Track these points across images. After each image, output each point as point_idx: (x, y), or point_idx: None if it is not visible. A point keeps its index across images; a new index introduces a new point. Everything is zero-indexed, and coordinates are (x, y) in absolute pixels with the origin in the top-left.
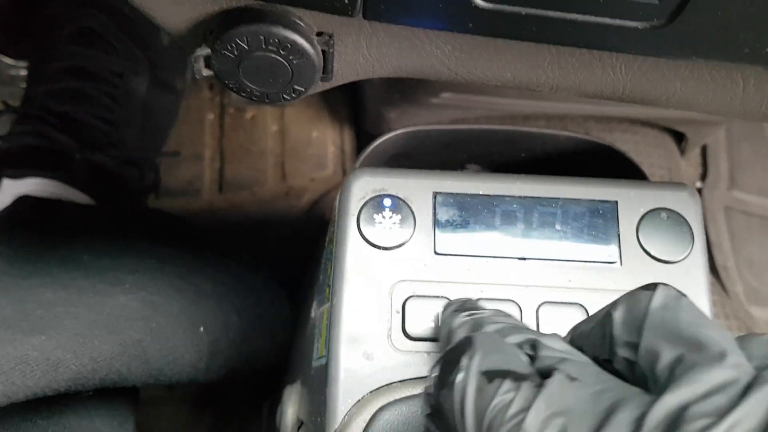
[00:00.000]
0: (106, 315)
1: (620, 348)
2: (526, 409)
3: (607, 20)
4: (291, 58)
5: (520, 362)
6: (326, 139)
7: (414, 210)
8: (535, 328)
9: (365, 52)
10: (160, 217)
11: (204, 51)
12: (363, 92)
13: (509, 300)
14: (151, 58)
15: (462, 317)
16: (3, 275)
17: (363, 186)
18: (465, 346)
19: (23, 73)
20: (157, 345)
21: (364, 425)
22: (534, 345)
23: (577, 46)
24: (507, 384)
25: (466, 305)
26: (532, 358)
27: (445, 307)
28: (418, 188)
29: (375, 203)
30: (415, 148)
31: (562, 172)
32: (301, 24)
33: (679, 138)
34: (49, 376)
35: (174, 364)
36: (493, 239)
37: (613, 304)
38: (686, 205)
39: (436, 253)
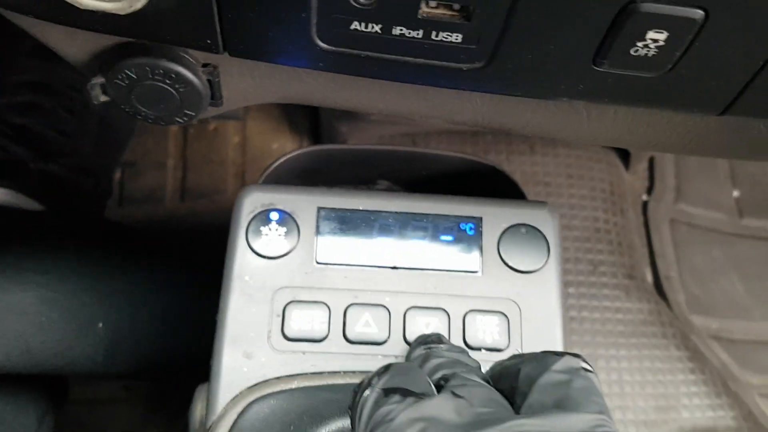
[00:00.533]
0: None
1: (518, 396)
2: (399, 414)
3: (435, 62)
4: (177, 86)
5: (421, 384)
6: (286, 150)
7: (299, 223)
8: (402, 330)
9: (250, 81)
10: (99, 223)
11: (99, 79)
12: (319, 107)
13: (380, 305)
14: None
15: (420, 349)
16: None
17: (253, 200)
18: (382, 370)
19: None
20: (42, 338)
21: (235, 417)
22: (452, 375)
23: (416, 83)
24: (396, 397)
25: (428, 339)
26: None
27: (414, 340)
28: (304, 203)
29: (263, 216)
30: (324, 165)
31: (456, 188)
32: (186, 57)
33: (624, 153)
34: None
35: (62, 356)
36: (369, 250)
37: (524, 360)
38: (544, 221)
39: (317, 262)
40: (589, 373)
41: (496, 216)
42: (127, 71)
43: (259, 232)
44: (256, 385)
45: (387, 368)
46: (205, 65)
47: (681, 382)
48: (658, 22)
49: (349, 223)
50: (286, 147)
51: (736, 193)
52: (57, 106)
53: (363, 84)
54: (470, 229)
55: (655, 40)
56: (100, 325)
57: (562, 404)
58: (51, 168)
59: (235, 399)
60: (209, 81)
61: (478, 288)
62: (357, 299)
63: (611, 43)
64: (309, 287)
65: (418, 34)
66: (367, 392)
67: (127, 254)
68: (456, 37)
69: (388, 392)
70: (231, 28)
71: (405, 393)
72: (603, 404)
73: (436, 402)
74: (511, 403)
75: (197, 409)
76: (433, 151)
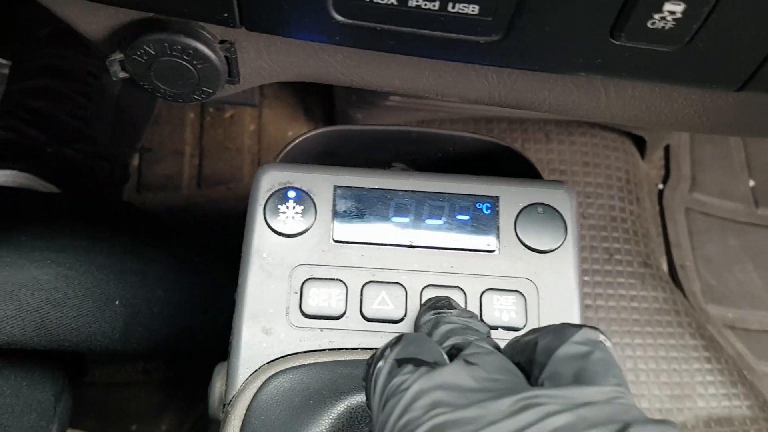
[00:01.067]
0: (10, 284)
1: (535, 367)
2: (413, 383)
3: (452, 35)
4: (195, 63)
5: (433, 353)
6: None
7: (316, 201)
8: (418, 308)
9: (266, 58)
10: (115, 204)
11: (118, 56)
12: (334, 94)
13: (397, 283)
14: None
15: (429, 314)
16: None
17: (270, 179)
18: (394, 341)
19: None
20: (58, 313)
21: (255, 391)
22: (465, 344)
23: (433, 57)
24: (409, 367)
25: (437, 303)
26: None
27: (422, 304)
28: (321, 182)
29: (280, 194)
30: (339, 147)
31: (471, 169)
32: (204, 33)
33: (640, 141)
34: None
35: (79, 332)
36: (385, 229)
37: (542, 332)
38: (562, 200)
39: (333, 240)
40: (607, 346)
41: (512, 195)
42: (145, 47)
43: (276, 210)
44: (275, 360)
45: (399, 339)
46: (222, 41)
47: (696, 371)
48: None
49: (365, 201)
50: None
51: (752, 183)
52: (73, 91)
53: (378, 60)
54: (487, 208)
55: (672, 12)
56: (117, 302)
57: (580, 376)
58: (67, 153)
59: (255, 374)
60: (226, 58)
61: (495, 267)
62: (374, 277)
63: (628, 15)
64: (326, 265)
65: (434, 5)
66: (380, 364)
67: (143, 235)
68: (473, 9)
69: (401, 363)
70: (247, 1)
71: (418, 363)
72: (621, 377)
73: (449, 370)
74: (528, 376)
75: (216, 386)
76: (449, 132)
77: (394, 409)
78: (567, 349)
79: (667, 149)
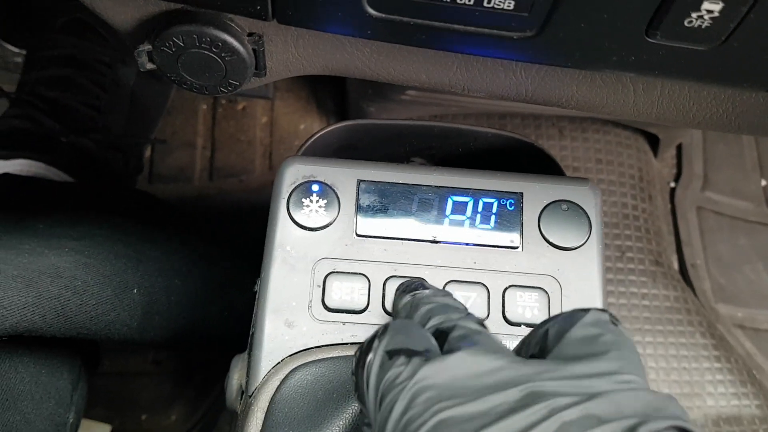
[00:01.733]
0: (30, 272)
1: (547, 354)
2: (410, 377)
3: (485, 30)
4: (223, 55)
5: (423, 342)
6: (313, 131)
7: (339, 195)
8: None
9: (293, 52)
10: (129, 193)
11: (146, 47)
12: (347, 87)
13: (419, 278)
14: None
15: (406, 297)
16: None
17: (294, 172)
18: (380, 331)
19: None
20: (78, 301)
21: (278, 384)
22: (450, 326)
23: (464, 53)
24: (401, 359)
25: (411, 286)
26: (446, 337)
27: (397, 288)
28: (344, 176)
29: (304, 188)
30: (360, 140)
31: (492, 165)
32: (232, 25)
33: (653, 139)
34: None
35: (98, 320)
36: (409, 223)
37: (552, 321)
38: (586, 197)
39: (357, 234)
40: (617, 326)
41: (537, 192)
42: (174, 39)
43: (300, 204)
44: (297, 353)
45: (385, 329)
46: (250, 34)
47: (706, 369)
48: None
49: (389, 196)
50: (313, 127)
51: (763, 182)
52: (89, 81)
53: (407, 54)
54: (511, 204)
55: (710, 11)
56: (135, 291)
57: (592, 355)
58: (82, 142)
59: (278, 366)
60: (254, 50)
61: (518, 264)
62: (396, 272)
63: (665, 13)
64: (349, 259)
65: (470, 0)
66: (370, 356)
67: (160, 225)
68: (508, 4)
69: (391, 354)
70: None
71: (409, 353)
72: (632, 357)
73: (446, 361)
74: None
75: (234, 378)
76: (471, 127)
77: (393, 406)
78: (577, 332)
79: (679, 147)
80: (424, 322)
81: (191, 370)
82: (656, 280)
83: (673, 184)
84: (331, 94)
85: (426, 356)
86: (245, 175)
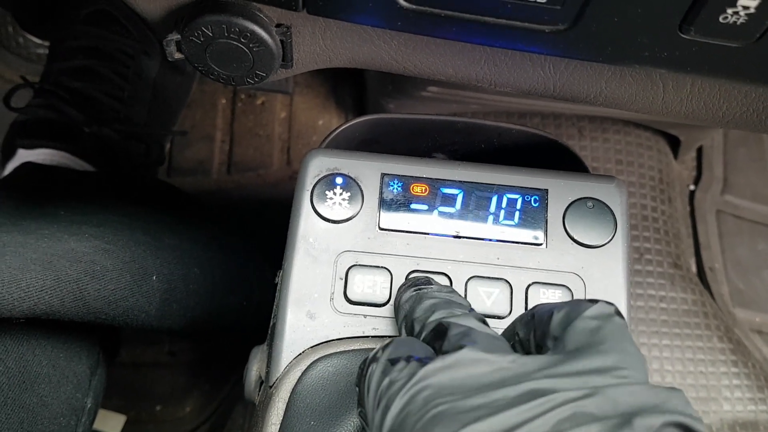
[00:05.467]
0: (49, 255)
1: (549, 340)
2: (409, 378)
3: (517, 23)
4: (251, 46)
5: (425, 350)
6: (331, 127)
7: (363, 188)
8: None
9: (321, 43)
10: (150, 184)
11: (175, 36)
12: (366, 84)
13: (442, 273)
14: (160, 39)
15: (409, 292)
16: None
17: (318, 165)
18: (385, 344)
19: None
20: (97, 285)
21: (299, 374)
22: (451, 322)
23: (495, 46)
24: (401, 363)
25: (417, 281)
26: (446, 334)
27: (401, 285)
28: (368, 169)
29: (328, 180)
30: (382, 135)
31: (515, 162)
32: (261, 16)
33: (674, 141)
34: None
35: (116, 305)
36: (432, 218)
37: (557, 306)
38: (612, 195)
39: (379, 228)
40: (620, 319)
41: (562, 189)
42: (203, 28)
43: (324, 196)
44: (319, 344)
45: (390, 342)
46: (278, 25)
47: (723, 374)
48: None
49: (413, 189)
50: (331, 123)
51: None
52: (112, 72)
53: (434, 48)
54: (535, 201)
55: (746, 7)
56: (154, 278)
57: (590, 350)
58: (104, 132)
59: (299, 357)
60: (282, 42)
61: (542, 261)
62: (419, 266)
63: (700, 8)
64: (371, 252)
65: None
66: (373, 366)
67: (179, 214)
68: None
69: (393, 362)
70: None
71: (409, 359)
72: (632, 350)
73: (445, 361)
74: (539, 348)
75: (254, 369)
76: (495, 123)
77: (391, 404)
78: (580, 324)
79: (700, 150)
80: (426, 315)
81: (206, 361)
82: (674, 283)
83: (692, 187)
84: (350, 90)
85: (426, 361)
86: (263, 169)
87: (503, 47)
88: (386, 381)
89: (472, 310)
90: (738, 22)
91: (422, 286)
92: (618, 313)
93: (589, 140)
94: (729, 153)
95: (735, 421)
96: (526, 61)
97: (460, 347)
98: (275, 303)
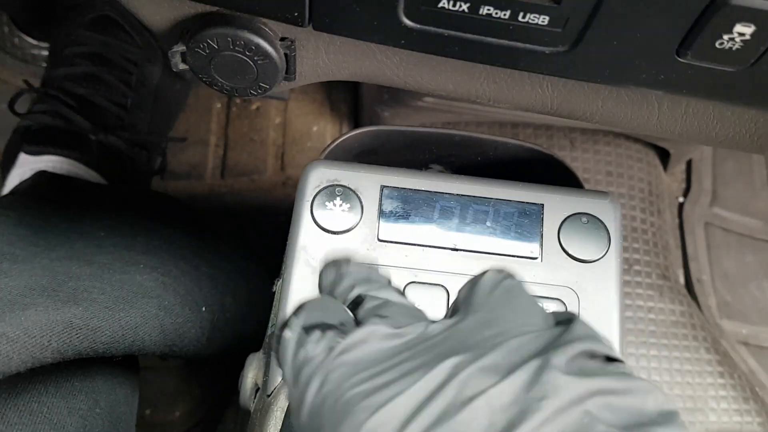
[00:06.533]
0: (126, 291)
1: (460, 310)
2: (324, 354)
3: (519, 44)
4: (256, 58)
5: (338, 315)
6: (325, 134)
7: (362, 200)
8: None
9: (324, 57)
10: (164, 199)
11: (180, 47)
12: (361, 91)
13: (439, 285)
14: (165, 50)
15: (330, 271)
16: (32, 245)
17: (319, 176)
18: (298, 309)
19: (44, 53)
20: (170, 319)
21: None
22: (365, 297)
23: (495, 65)
24: (317, 333)
25: (337, 261)
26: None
27: (322, 268)
28: (368, 181)
29: (328, 192)
30: (381, 146)
31: (510, 176)
32: (266, 29)
33: (663, 153)
34: (90, 340)
35: (183, 338)
36: (430, 231)
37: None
38: (606, 211)
39: (378, 239)
40: (511, 281)
41: (557, 203)
42: (209, 41)
43: (323, 207)
44: None
45: (302, 307)
46: (283, 39)
47: (709, 385)
48: (747, 15)
49: (411, 202)
50: (326, 130)
51: None
52: (116, 79)
53: (436, 64)
54: (531, 215)
55: (741, 34)
56: (204, 309)
57: (485, 308)
58: (110, 140)
59: None
60: (286, 55)
61: (537, 274)
62: (417, 278)
63: (697, 34)
64: (370, 263)
65: (505, 14)
66: (287, 333)
67: (206, 239)
68: (543, 20)
69: (307, 330)
70: (319, 2)
71: (324, 327)
72: (525, 303)
73: (359, 334)
74: None
75: (249, 377)
76: (493, 137)
77: (309, 382)
78: (478, 290)
79: (689, 163)
80: (347, 292)
81: (197, 366)
82: (663, 294)
83: (681, 199)
84: (345, 97)
85: (341, 330)
86: (257, 174)
87: (504, 66)
88: (302, 354)
89: (389, 283)
90: (734, 48)
91: (342, 266)
92: (510, 276)
93: (581, 152)
94: (718, 166)
95: (720, 431)
96: (525, 80)
97: (374, 319)
98: (272, 312)
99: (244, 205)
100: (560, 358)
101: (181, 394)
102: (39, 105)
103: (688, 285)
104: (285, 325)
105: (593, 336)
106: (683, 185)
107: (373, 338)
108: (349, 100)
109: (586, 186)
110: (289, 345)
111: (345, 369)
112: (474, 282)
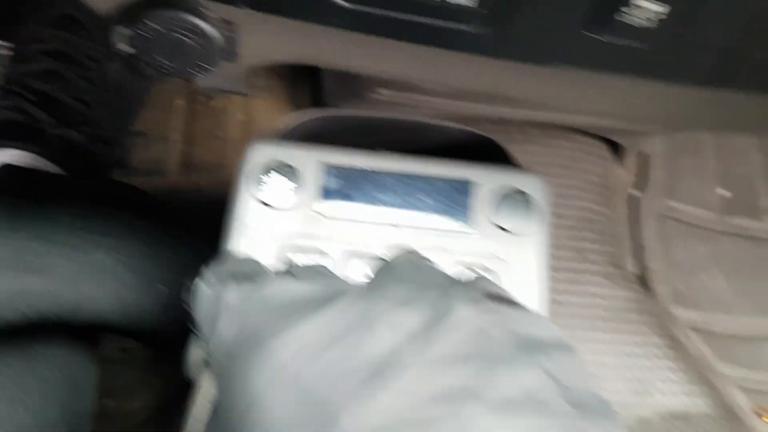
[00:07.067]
0: (87, 267)
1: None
2: (240, 302)
3: (441, 22)
4: (198, 40)
5: (254, 266)
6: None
7: (303, 177)
8: None
9: (264, 39)
10: (127, 188)
11: (126, 31)
12: (323, 87)
13: (378, 258)
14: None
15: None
16: None
17: (260, 153)
18: (215, 261)
19: (8, 53)
20: (130, 295)
21: None
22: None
23: (425, 44)
24: (232, 284)
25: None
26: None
27: None
28: (308, 158)
29: (268, 168)
30: (329, 131)
31: (455, 158)
32: (207, 11)
33: (616, 147)
34: (53, 305)
35: (142, 312)
36: (369, 206)
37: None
38: (535, 187)
39: (319, 214)
40: (408, 255)
41: (490, 180)
42: (151, 23)
43: (263, 183)
44: None
45: (220, 258)
46: (223, 20)
47: (658, 368)
48: None
49: (350, 180)
50: None
51: (723, 192)
52: (78, 76)
53: (374, 45)
54: (465, 191)
55: (644, 9)
56: (164, 287)
57: (387, 276)
58: (71, 135)
59: None
60: (226, 36)
61: (470, 246)
62: (357, 252)
63: (600, 9)
64: (311, 237)
65: None
66: (202, 284)
67: (171, 228)
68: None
69: (223, 279)
70: None
71: (239, 277)
72: (423, 269)
73: (273, 283)
74: None
75: (194, 353)
76: (437, 122)
77: (226, 330)
78: (382, 264)
79: (642, 156)
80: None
81: (157, 359)
82: (613, 281)
83: (634, 192)
84: (307, 93)
85: (256, 280)
86: (220, 169)
87: (435, 46)
88: (219, 304)
89: None
90: (638, 23)
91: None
92: (421, 256)
93: (536, 145)
94: (671, 160)
95: (669, 412)
96: (459, 60)
97: (284, 275)
98: None
99: (207, 200)
100: (459, 290)
101: (142, 386)
102: (1, 101)
103: (641, 274)
104: (202, 275)
105: (497, 286)
106: (636, 178)
107: (287, 286)
108: (312, 96)
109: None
110: (204, 295)
111: (263, 315)
112: (385, 263)
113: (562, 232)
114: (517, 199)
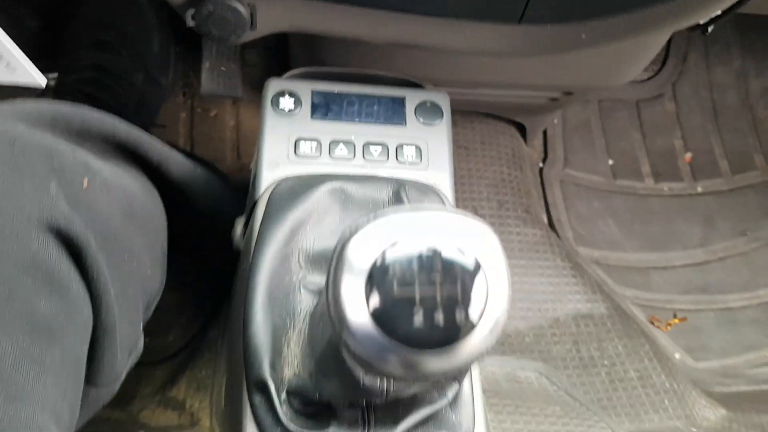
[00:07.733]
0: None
1: None
2: None
3: None
4: (233, 15)
5: None
6: None
7: (301, 97)
8: (362, 153)
9: (271, 13)
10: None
11: (190, 11)
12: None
13: (350, 141)
14: (146, 61)
15: None
16: None
17: (275, 85)
18: None
19: (51, 83)
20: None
21: (270, 191)
22: None
23: (383, 8)
24: None
25: None
26: None
27: None
28: (304, 87)
29: (281, 93)
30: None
31: None
32: None
33: (522, 128)
34: None
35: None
36: (342, 112)
37: None
38: (442, 99)
39: (312, 118)
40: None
41: (413, 96)
42: (207, 6)
43: (279, 102)
44: (281, 179)
45: None
46: (248, 3)
47: (565, 284)
48: None
49: (330, 98)
50: None
51: (610, 162)
52: (113, 83)
53: (353, 14)
54: (401, 103)
55: None
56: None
57: None
58: None
59: (269, 186)
60: (251, 13)
61: (405, 133)
62: (336, 138)
63: None
64: (308, 130)
65: None
66: None
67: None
68: None
69: None
70: None
71: None
72: None
73: None
74: None
75: (239, 228)
76: (384, 73)
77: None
78: None
79: (545, 135)
80: None
81: (182, 304)
82: (527, 223)
83: (540, 164)
84: None
85: None
86: (218, 163)
87: (393, 10)
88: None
89: None
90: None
91: None
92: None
93: (461, 128)
94: (567, 138)
95: (576, 314)
96: (429, 24)
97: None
98: (252, 166)
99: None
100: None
101: (172, 325)
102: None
103: (550, 224)
104: None
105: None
106: (542, 154)
107: None
108: None
109: (467, 153)
110: None
111: None
112: None
113: (485, 189)
114: (431, 106)
